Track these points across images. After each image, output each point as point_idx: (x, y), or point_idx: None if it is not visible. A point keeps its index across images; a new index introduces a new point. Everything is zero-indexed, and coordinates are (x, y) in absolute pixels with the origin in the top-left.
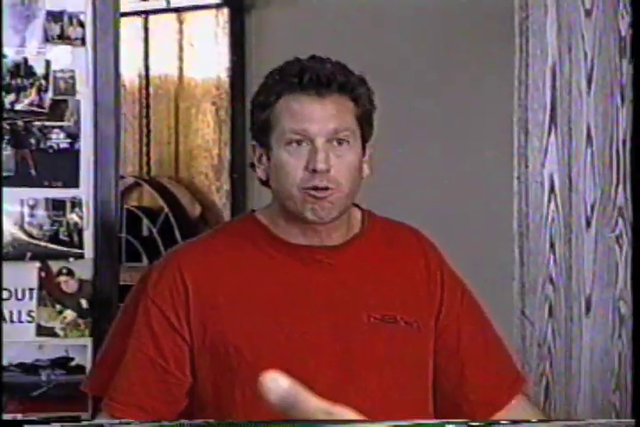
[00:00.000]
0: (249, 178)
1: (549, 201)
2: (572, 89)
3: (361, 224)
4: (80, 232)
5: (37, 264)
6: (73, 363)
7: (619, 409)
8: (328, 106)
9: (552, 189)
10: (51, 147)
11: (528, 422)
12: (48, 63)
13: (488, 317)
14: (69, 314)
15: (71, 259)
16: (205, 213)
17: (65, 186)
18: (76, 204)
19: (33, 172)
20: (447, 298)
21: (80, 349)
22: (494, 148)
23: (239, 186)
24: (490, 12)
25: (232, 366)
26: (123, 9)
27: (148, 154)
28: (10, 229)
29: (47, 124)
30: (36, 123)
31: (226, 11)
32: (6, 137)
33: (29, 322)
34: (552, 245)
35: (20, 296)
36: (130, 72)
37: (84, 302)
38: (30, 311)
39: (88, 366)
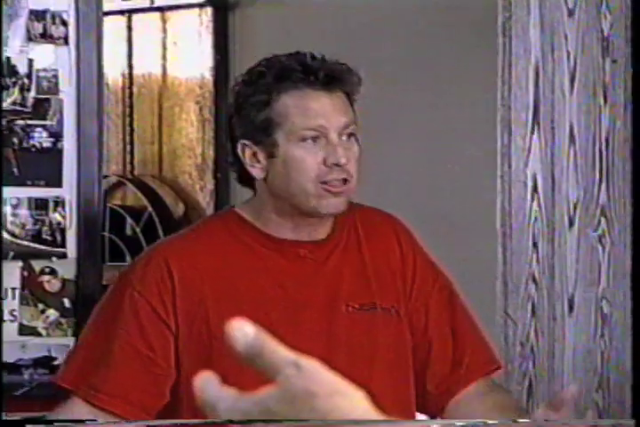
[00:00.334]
0: (233, 177)
1: (532, 200)
2: (554, 88)
3: (337, 216)
4: (63, 231)
5: (20, 263)
6: (56, 362)
7: (601, 408)
8: (335, 100)
9: (535, 189)
10: (34, 146)
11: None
12: (31, 62)
13: (462, 303)
14: (52, 313)
15: (54, 258)
16: (189, 212)
17: (48, 185)
18: (58, 203)
19: (16, 171)
20: (418, 281)
21: (63, 348)
22: (477, 147)
23: (223, 185)
24: (473, 12)
25: (215, 360)
26: (106, 8)
27: (131, 153)
28: None
29: (30, 123)
30: (19, 122)
31: (209, 10)
32: None
33: (12, 321)
34: (535, 245)
35: (2, 295)
36: (113, 71)
37: (66, 302)
38: (13, 311)
39: None
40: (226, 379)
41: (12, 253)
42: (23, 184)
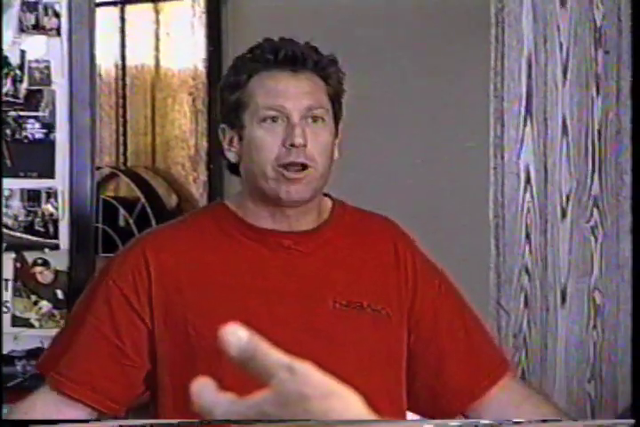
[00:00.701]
0: (226, 168)
1: (525, 191)
2: (547, 80)
3: (330, 212)
4: (55, 223)
5: (12, 255)
6: None
7: (594, 399)
8: (302, 82)
9: (528, 180)
10: (26, 137)
11: (536, 421)
12: (23, 53)
13: (468, 305)
14: (45, 305)
15: (46, 249)
16: (182, 203)
17: (40, 176)
18: (51, 194)
19: (8, 162)
20: (422, 286)
21: None
22: (470, 138)
23: (216, 176)
24: (465, 2)
25: (193, 352)
26: None
27: (124, 144)
28: None
29: (22, 114)
30: (11, 113)
31: (202, 1)
32: None
33: (4, 313)
34: (528, 236)
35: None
36: (106, 62)
37: (59, 293)
38: (5, 302)
39: None
40: (204, 373)
41: (4, 245)
42: (16, 175)
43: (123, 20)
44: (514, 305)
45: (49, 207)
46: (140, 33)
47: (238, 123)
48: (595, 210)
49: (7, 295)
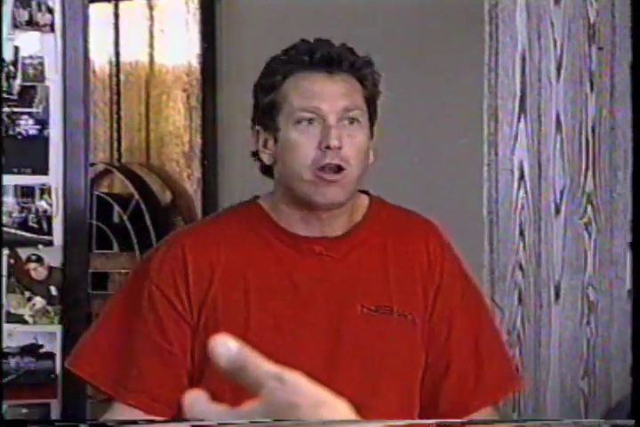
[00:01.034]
0: (220, 165)
1: (519, 188)
2: (541, 76)
3: (366, 210)
4: (49, 219)
5: (6, 251)
6: (42, 350)
7: (587, 395)
8: (338, 84)
9: (522, 176)
10: (20, 133)
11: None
12: (17, 49)
13: (487, 318)
14: (39, 301)
15: (40, 246)
16: (176, 200)
17: (34, 173)
18: (45, 191)
19: (2, 158)
20: (444, 291)
21: (49, 336)
22: (464, 135)
23: (210, 173)
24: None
25: None
26: None
27: (118, 141)
28: None
29: (16, 110)
30: (5, 109)
31: None
32: None
33: None
34: (521, 232)
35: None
36: (100, 59)
37: (53, 290)
38: None
39: (58, 353)
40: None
41: None
42: (9, 172)
43: (117, 16)
44: (508, 302)
45: (43, 204)
46: (134, 29)
47: (273, 125)
48: (588, 206)
49: (1, 292)
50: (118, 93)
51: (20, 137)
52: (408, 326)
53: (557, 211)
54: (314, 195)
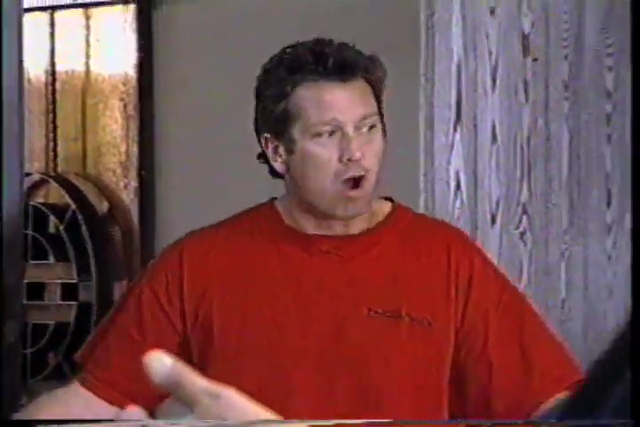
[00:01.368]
0: (157, 174)
1: (455, 198)
2: (477, 86)
3: (386, 216)
4: None
5: None
6: None
7: None
8: (352, 91)
9: (458, 186)
10: None
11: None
12: None
13: (534, 317)
14: None
15: None
16: (113, 209)
17: None
18: None
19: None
20: (475, 297)
21: None
22: (400, 145)
23: (147, 183)
24: (396, 9)
25: (216, 357)
26: (27, 4)
27: (54, 150)
28: None
29: None
30: None
31: (132, 7)
32: None
33: None
34: None
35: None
36: (36, 68)
37: None
38: None
39: None
40: (225, 378)
41: None
42: None
43: (52, 25)
44: None
45: None
46: (70, 38)
47: (287, 135)
48: (524, 216)
49: None
50: (54, 102)
51: None
52: (423, 330)
53: (493, 221)
54: (335, 209)
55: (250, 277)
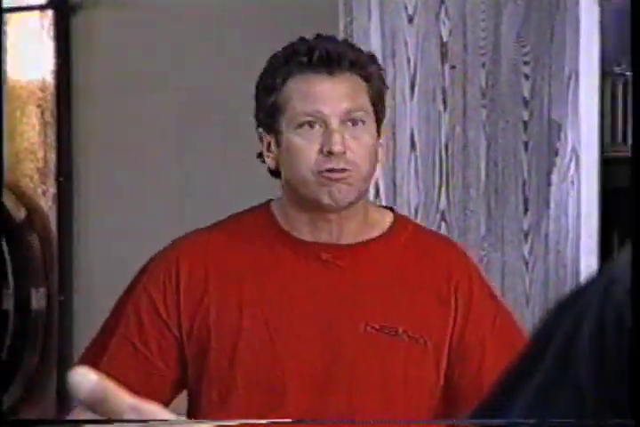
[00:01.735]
0: (75, 181)
1: None
2: (395, 94)
3: (388, 228)
4: None
5: None
6: None
7: None
8: (340, 85)
9: (377, 193)
10: None
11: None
12: None
13: (523, 339)
14: None
15: None
16: (31, 216)
17: None
18: None
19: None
20: (474, 316)
21: None
22: None
23: (65, 189)
24: (314, 16)
25: (210, 365)
26: None
27: None
28: None
29: None
30: None
31: (50, 12)
32: None
33: None
34: None
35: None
36: None
37: None
38: None
39: None
40: (219, 386)
41: None
42: None
43: None
44: None
45: None
46: None
47: (275, 128)
48: (442, 223)
49: None
50: None
51: None
52: (418, 349)
53: None
54: (319, 194)
55: (246, 283)
